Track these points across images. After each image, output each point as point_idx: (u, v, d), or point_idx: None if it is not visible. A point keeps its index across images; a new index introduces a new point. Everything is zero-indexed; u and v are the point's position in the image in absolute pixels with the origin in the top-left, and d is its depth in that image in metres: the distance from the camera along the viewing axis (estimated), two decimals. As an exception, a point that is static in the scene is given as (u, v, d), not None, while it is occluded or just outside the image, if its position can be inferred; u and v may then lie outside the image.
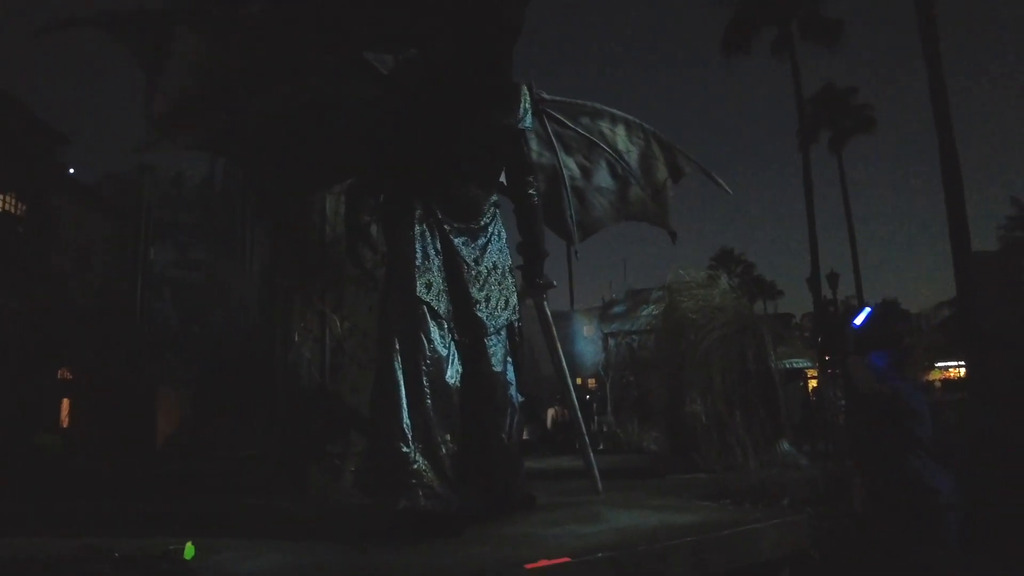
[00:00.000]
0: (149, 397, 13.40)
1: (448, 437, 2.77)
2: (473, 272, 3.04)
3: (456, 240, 3.03)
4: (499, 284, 3.12)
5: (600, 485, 3.56)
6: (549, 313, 3.75)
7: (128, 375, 12.64)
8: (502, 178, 3.36)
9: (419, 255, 2.89)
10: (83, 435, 12.52)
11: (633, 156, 4.59)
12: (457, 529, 2.66)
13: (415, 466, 2.64)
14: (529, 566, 2.03)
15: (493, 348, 3.04)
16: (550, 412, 13.66)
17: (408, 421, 2.68)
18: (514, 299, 3.18)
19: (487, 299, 3.05)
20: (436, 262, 2.93)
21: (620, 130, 4.52)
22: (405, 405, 2.70)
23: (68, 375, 14.00)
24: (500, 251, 3.20)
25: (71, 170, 17.49)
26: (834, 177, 33.38)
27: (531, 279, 3.50)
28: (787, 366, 4.59)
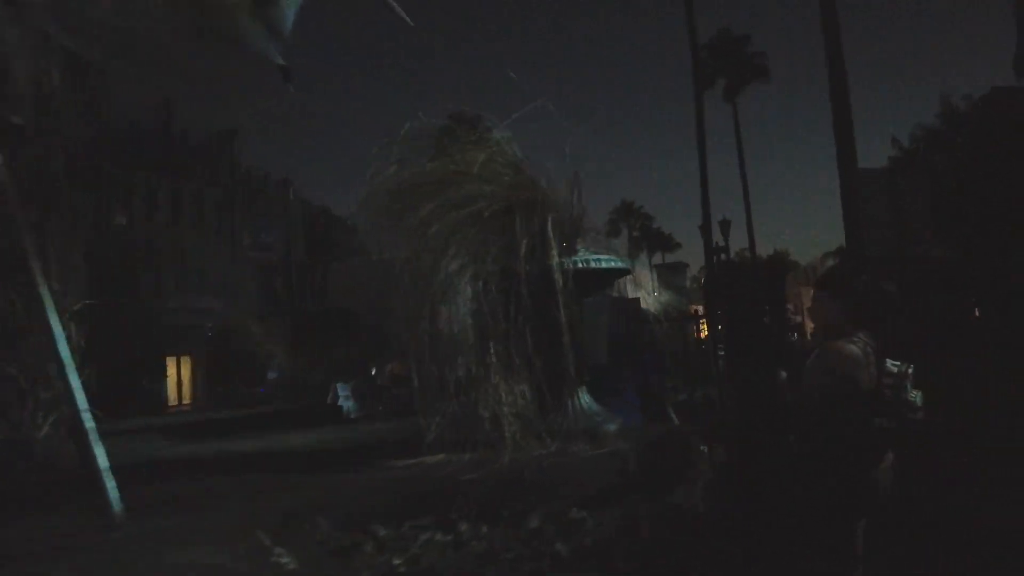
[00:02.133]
0: None
1: None
2: None
3: None
4: None
5: (118, 507, 2.43)
6: None
7: None
8: None
9: None
10: None
11: None
12: None
13: None
14: None
15: None
16: (388, 367, 13.07)
17: None
18: None
19: None
20: None
21: None
22: None
23: None
24: None
25: None
26: (729, 126, 33.04)
27: None
28: (586, 264, 2.79)
